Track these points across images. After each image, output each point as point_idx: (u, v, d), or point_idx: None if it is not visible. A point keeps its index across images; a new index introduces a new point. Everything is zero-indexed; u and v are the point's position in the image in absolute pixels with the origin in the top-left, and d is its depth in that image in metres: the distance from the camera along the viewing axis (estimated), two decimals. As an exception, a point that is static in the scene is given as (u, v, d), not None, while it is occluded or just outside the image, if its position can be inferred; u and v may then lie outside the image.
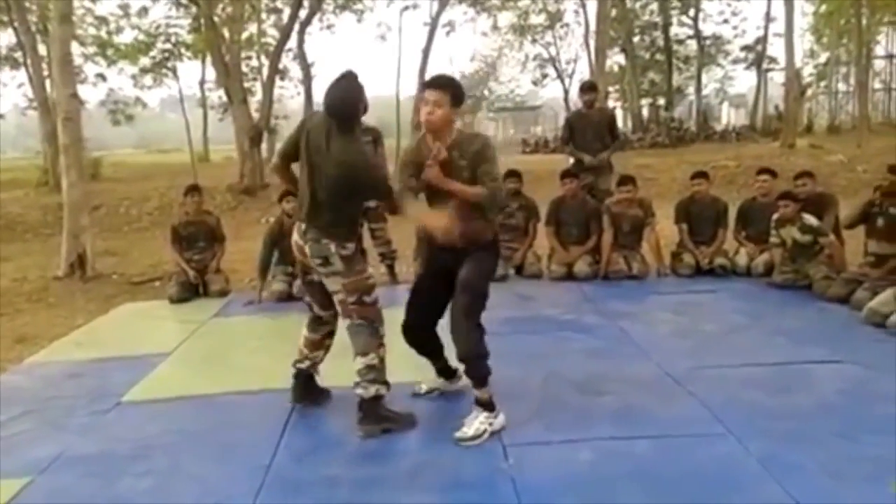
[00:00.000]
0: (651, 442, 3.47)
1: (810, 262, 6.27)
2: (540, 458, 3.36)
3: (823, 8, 31.73)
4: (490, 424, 3.55)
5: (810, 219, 6.29)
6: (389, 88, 30.29)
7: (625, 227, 7.06)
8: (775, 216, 6.45)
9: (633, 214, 7.05)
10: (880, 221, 5.84)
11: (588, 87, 8.20)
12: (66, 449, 3.67)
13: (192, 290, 7.06)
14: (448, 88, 3.56)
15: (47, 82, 17.94)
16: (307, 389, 4.08)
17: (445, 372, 4.13)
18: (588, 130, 7.79)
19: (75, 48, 14.46)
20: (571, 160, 8.03)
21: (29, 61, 20.33)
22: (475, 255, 3.58)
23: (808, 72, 36.54)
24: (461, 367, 3.84)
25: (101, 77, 25.84)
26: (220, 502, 3.09)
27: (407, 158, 3.77)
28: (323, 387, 4.14)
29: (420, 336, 3.90)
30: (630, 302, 6.24)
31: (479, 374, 3.55)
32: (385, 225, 7.23)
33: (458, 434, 3.50)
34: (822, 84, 36.50)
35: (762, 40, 34.58)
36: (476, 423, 3.53)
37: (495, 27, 36.83)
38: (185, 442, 3.71)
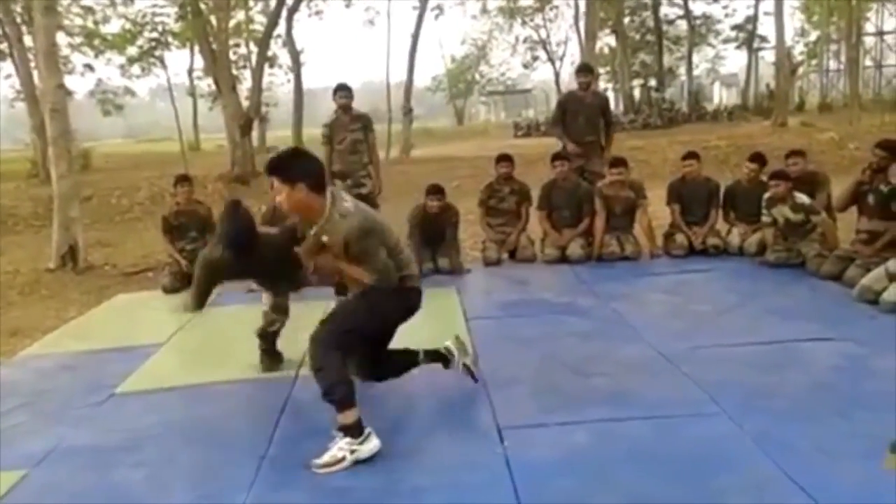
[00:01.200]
0: (646, 422, 3.48)
1: (803, 241, 6.27)
2: (535, 440, 3.37)
3: (813, -14, 31.70)
4: (352, 451, 3.22)
5: (802, 197, 6.28)
6: (380, 74, 30.14)
7: (617, 210, 7.06)
8: (766, 195, 6.44)
9: (625, 196, 7.05)
10: (871, 199, 5.83)
11: (585, 69, 8.15)
12: (61, 441, 3.66)
13: (185, 281, 7.00)
14: (276, 172, 3.32)
15: (34, 73, 17.81)
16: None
17: (439, 360, 4.01)
18: (581, 114, 7.75)
19: (62, 38, 14.39)
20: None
21: (15, 52, 20.16)
22: (354, 295, 3.58)
23: (798, 50, 36.68)
24: (446, 345, 3.99)
25: (89, 67, 25.74)
26: (215, 492, 3.09)
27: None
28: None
29: (375, 371, 3.82)
30: (623, 283, 6.25)
31: (335, 399, 3.26)
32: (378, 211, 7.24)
33: (313, 461, 3.23)
34: (813, 62, 36.58)
35: (752, 19, 34.62)
36: (334, 448, 3.24)
37: (485, 10, 36.85)
38: (179, 432, 3.71)
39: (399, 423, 3.66)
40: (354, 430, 3.26)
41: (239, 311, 6.17)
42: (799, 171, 6.64)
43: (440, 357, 4.01)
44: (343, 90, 7.33)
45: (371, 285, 3.42)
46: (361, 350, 3.61)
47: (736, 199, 7.14)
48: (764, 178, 6.81)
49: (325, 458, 3.23)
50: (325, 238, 3.37)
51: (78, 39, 24.48)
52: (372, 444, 3.28)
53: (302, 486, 3.09)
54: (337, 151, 7.22)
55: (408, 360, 3.90)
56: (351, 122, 7.25)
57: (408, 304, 3.64)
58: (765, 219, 6.53)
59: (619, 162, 7.17)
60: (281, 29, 21.86)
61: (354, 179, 7.21)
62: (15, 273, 8.64)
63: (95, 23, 23.70)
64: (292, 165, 3.35)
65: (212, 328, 5.75)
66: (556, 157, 7.37)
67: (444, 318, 5.49)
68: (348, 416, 3.27)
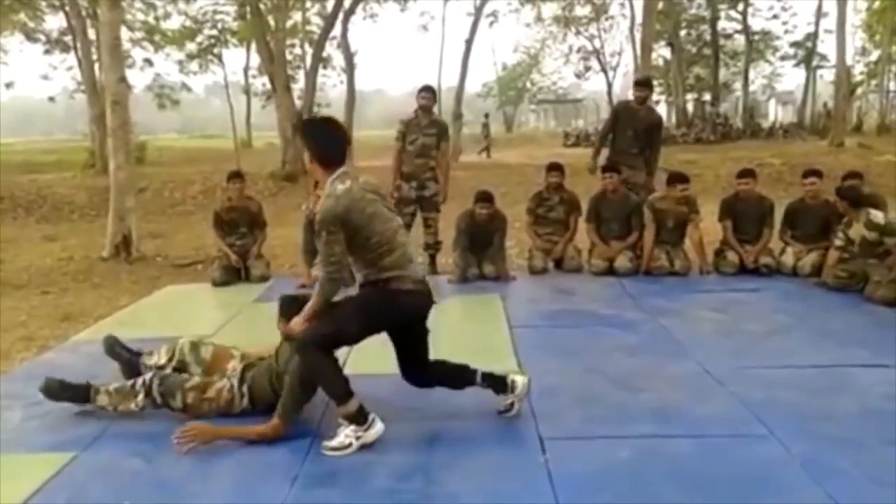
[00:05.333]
0: (690, 441, 3.43)
1: (873, 262, 6.07)
2: (577, 452, 3.34)
3: (877, 4, 31.01)
4: (357, 438, 3.36)
5: (877, 216, 6.10)
6: (432, 79, 30.26)
7: (669, 224, 6.98)
8: (845, 220, 6.26)
9: (679, 211, 6.97)
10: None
11: (643, 83, 7.93)
12: (110, 426, 3.73)
13: (234, 274, 7.14)
14: (300, 135, 3.39)
15: (96, 66, 18.28)
16: None
17: (496, 386, 3.75)
18: (630, 128, 7.54)
19: (124, 33, 14.66)
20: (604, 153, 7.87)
21: (79, 45, 20.71)
22: (346, 296, 3.58)
23: (858, 70, 35.80)
24: (513, 378, 3.75)
25: (149, 62, 26.22)
26: (258, 486, 3.12)
27: None
28: None
29: (418, 376, 3.76)
30: (671, 299, 6.17)
31: (331, 394, 3.44)
32: (437, 215, 7.29)
33: (324, 443, 3.40)
34: (874, 82, 35.69)
35: (812, 37, 33.94)
36: (341, 434, 3.38)
37: (539, 18, 36.73)
38: (224, 424, 3.74)
39: (441, 428, 3.66)
40: (358, 418, 3.38)
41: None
42: (855, 193, 6.50)
43: (500, 384, 3.74)
44: (426, 91, 7.27)
45: (361, 285, 3.46)
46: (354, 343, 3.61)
47: (797, 218, 7.00)
48: (828, 196, 6.67)
49: (334, 442, 3.38)
50: (318, 216, 3.38)
51: (139, 34, 25.00)
52: (376, 429, 3.40)
53: (344, 485, 3.11)
54: (406, 152, 7.22)
55: (460, 375, 3.74)
56: (428, 125, 7.21)
57: (398, 307, 3.48)
58: (838, 241, 6.29)
59: (683, 178, 7.06)
60: (336, 31, 22.06)
61: (419, 181, 7.23)
62: (69, 260, 8.86)
63: (157, 18, 24.19)
64: (308, 133, 3.55)
65: (259, 322, 5.80)
66: (607, 167, 7.30)
67: (488, 325, 5.48)
68: (349, 406, 3.37)
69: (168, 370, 3.94)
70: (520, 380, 3.76)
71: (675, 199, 6.94)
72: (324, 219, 3.31)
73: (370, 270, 3.44)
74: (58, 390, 3.82)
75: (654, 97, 28.15)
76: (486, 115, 29.60)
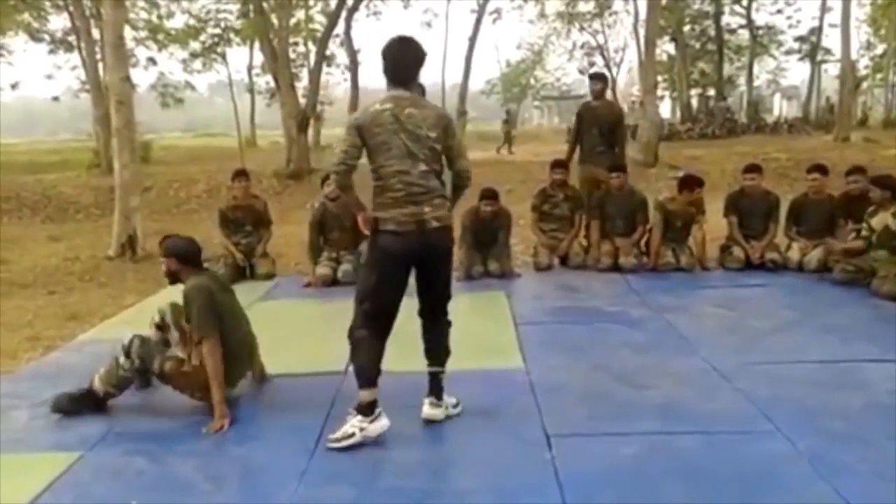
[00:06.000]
0: (696, 437, 3.43)
1: (883, 255, 6.03)
2: (583, 449, 3.34)
3: (881, -2, 30.87)
4: (361, 429, 3.38)
5: None
6: (435, 76, 30.23)
7: (677, 224, 6.97)
8: (870, 209, 6.19)
9: (688, 212, 6.95)
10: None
11: (597, 76, 8.17)
12: (115, 425, 3.75)
13: (239, 273, 7.14)
14: None
15: (100, 65, 18.31)
16: None
17: (432, 386, 3.72)
18: (594, 126, 7.68)
19: (127, 32, 14.69)
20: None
21: (83, 45, 20.74)
22: None
23: (863, 64, 35.66)
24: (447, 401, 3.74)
25: (152, 61, 26.29)
26: (264, 484, 3.13)
27: None
28: None
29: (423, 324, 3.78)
30: (677, 295, 6.16)
31: (356, 375, 3.49)
32: None
33: (328, 436, 3.45)
34: (879, 77, 35.54)
35: (817, 31, 33.78)
36: (347, 425, 3.42)
37: (542, 15, 36.61)
38: (229, 423, 3.76)
39: (447, 426, 3.66)
40: (366, 410, 3.42)
41: (291, 305, 6.27)
42: (861, 188, 6.48)
43: (436, 388, 3.70)
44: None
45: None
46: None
47: (801, 213, 6.99)
48: (831, 191, 6.63)
49: (339, 433, 3.42)
50: None
51: (143, 33, 25.06)
52: (380, 424, 3.43)
53: (350, 483, 3.11)
54: None
55: (436, 353, 3.68)
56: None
57: (381, 248, 3.45)
58: (864, 232, 6.20)
59: (698, 182, 7.06)
60: (340, 28, 22.06)
61: None
62: (74, 259, 8.87)
63: (160, 17, 24.24)
64: (382, 51, 3.53)
65: (264, 321, 5.78)
66: (613, 167, 7.27)
67: (494, 322, 5.48)
68: (363, 397, 3.43)
69: (152, 332, 4.03)
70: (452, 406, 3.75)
71: (685, 200, 6.92)
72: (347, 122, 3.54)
73: (373, 205, 3.48)
74: (67, 404, 3.88)
75: (659, 92, 28.12)
76: (508, 112, 29.81)
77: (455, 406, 3.76)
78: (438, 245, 3.49)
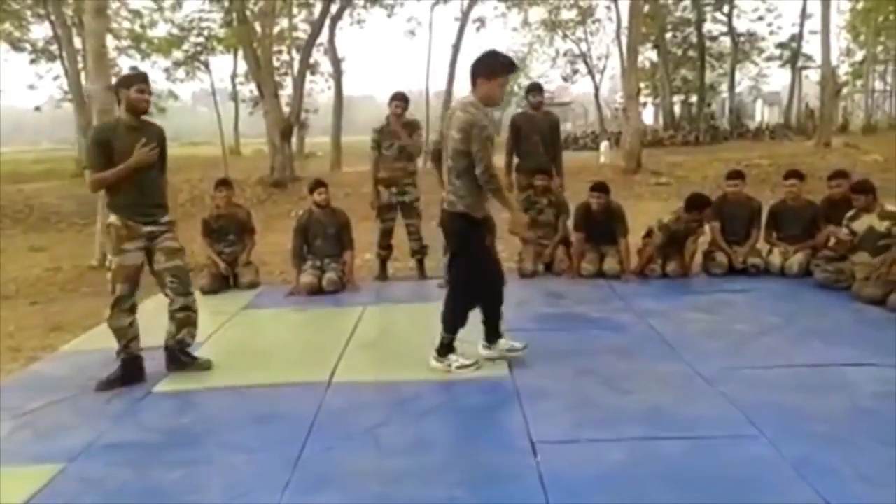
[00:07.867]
0: (681, 442, 3.43)
1: (864, 257, 6.06)
2: (569, 455, 3.33)
3: (860, 5, 31.25)
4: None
5: (889, 206, 6.12)
6: (419, 84, 30.31)
7: (677, 241, 6.99)
8: (850, 213, 6.24)
9: (690, 230, 6.98)
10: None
11: (536, 88, 8.09)
12: (99, 437, 3.71)
13: (222, 282, 7.11)
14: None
15: (82, 75, 18.21)
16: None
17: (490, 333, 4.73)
18: (533, 134, 7.64)
19: (110, 41, 14.64)
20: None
21: (64, 54, 20.64)
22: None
23: (844, 70, 36.06)
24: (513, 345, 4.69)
25: (135, 70, 26.11)
26: (249, 494, 3.11)
27: None
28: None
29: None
30: (661, 300, 6.18)
31: (446, 321, 4.56)
32: (418, 221, 7.26)
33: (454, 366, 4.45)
34: (859, 82, 35.97)
35: (797, 38, 34.16)
36: (450, 363, 4.45)
37: (526, 22, 36.79)
38: (214, 433, 3.74)
39: (433, 433, 3.65)
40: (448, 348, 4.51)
41: (275, 314, 6.24)
42: (843, 192, 6.53)
43: (493, 331, 4.73)
44: (399, 99, 7.21)
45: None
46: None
47: (780, 219, 7.04)
48: (812, 196, 6.67)
49: (465, 361, 4.49)
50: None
51: (125, 42, 24.96)
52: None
53: (335, 491, 3.09)
54: (384, 157, 7.20)
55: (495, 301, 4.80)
56: (402, 129, 7.21)
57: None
58: (843, 235, 6.25)
59: (706, 202, 7.01)
60: (323, 37, 22.06)
61: (399, 186, 7.22)
62: (57, 270, 8.80)
63: (143, 27, 24.16)
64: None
65: (249, 330, 5.80)
66: (596, 187, 7.15)
67: (479, 328, 5.47)
68: (446, 337, 4.49)
69: None
70: (516, 345, 4.75)
71: (688, 220, 6.91)
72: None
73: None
74: (107, 385, 4.44)
75: (642, 99, 28.25)
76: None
77: (512, 350, 4.67)
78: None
